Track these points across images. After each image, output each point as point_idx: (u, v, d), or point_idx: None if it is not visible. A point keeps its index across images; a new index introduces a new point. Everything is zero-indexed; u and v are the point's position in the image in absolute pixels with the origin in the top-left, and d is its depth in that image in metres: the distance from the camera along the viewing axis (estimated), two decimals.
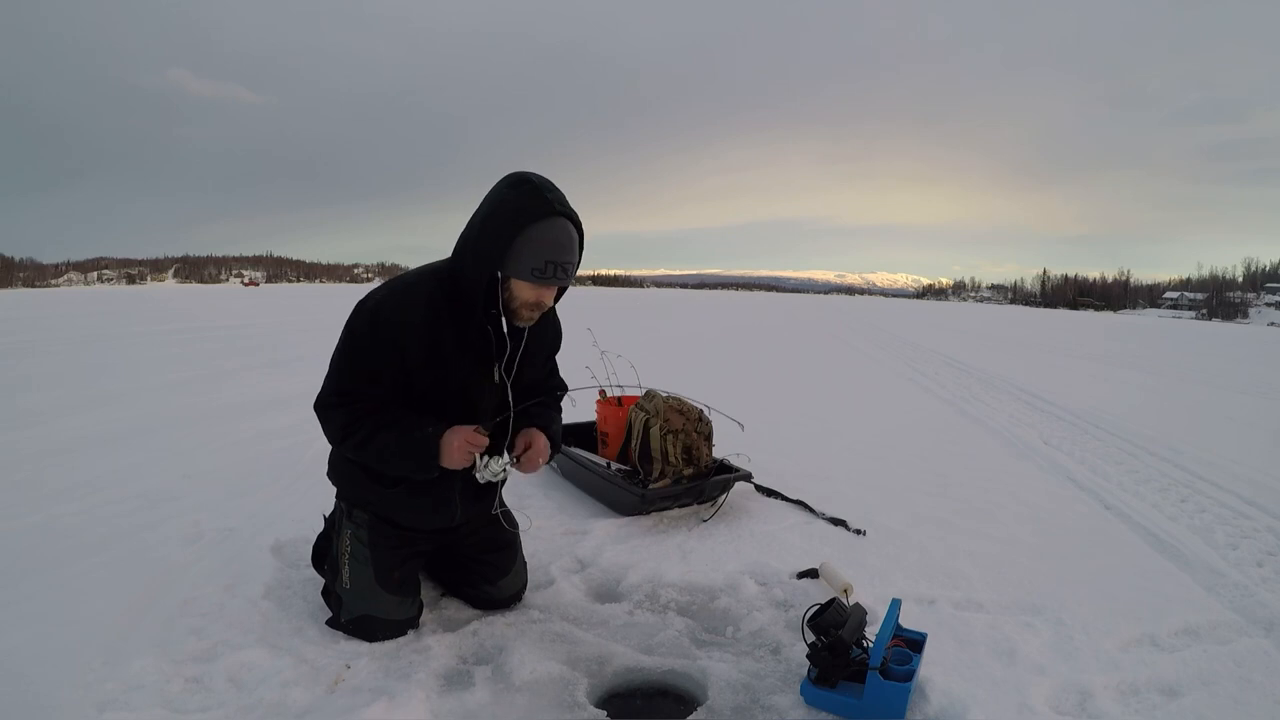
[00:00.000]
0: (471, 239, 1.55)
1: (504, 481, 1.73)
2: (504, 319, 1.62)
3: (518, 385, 1.75)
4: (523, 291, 1.55)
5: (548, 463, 1.78)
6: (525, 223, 1.47)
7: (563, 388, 2.01)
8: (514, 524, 1.97)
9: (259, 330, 11.73)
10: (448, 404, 1.66)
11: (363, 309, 1.60)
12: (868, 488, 3.18)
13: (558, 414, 1.92)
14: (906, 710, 1.51)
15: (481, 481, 1.65)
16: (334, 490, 1.86)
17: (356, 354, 1.60)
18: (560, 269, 1.52)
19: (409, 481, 1.70)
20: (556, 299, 1.68)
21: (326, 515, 1.96)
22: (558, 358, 2.00)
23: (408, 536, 1.81)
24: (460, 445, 1.58)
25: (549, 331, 1.86)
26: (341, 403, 1.62)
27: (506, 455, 1.71)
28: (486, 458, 1.63)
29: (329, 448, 1.79)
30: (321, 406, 1.65)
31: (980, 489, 3.25)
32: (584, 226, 1.57)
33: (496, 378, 1.70)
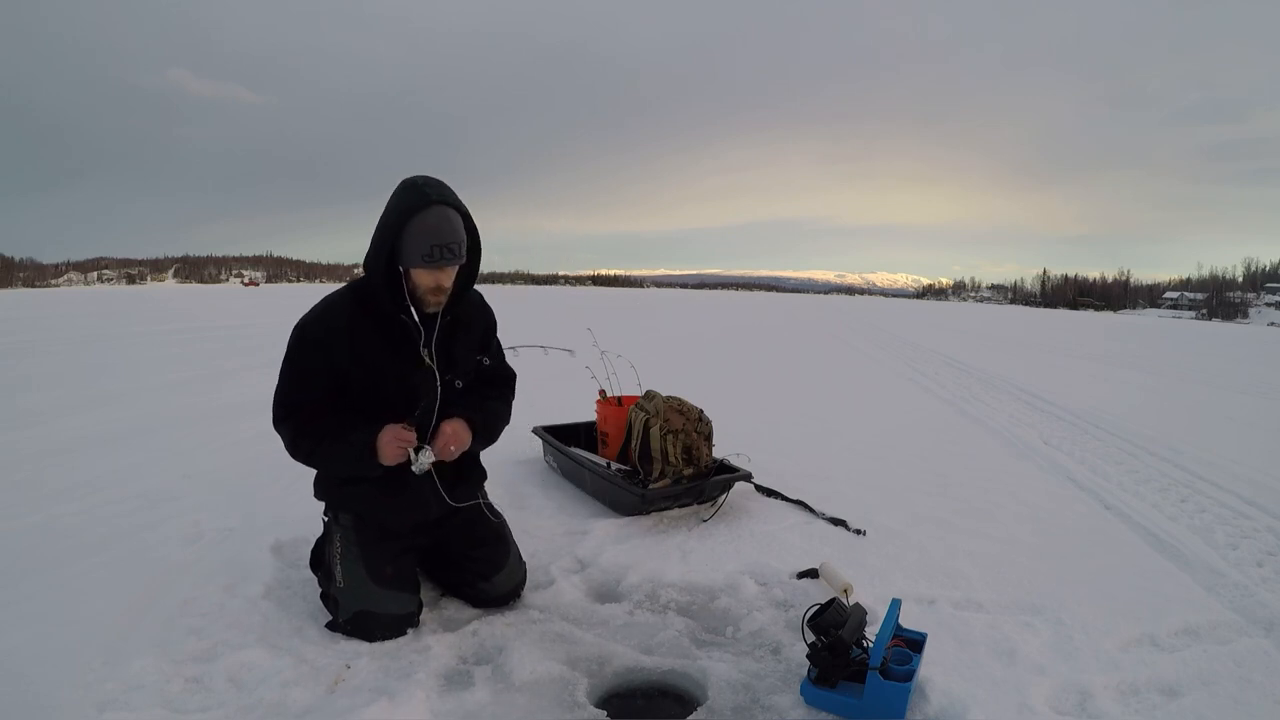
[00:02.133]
0: (371, 246, 1.70)
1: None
2: (415, 309, 1.74)
3: (449, 370, 1.83)
4: (422, 279, 1.69)
5: (485, 445, 1.93)
6: (408, 216, 1.63)
7: (508, 375, 2.09)
8: (497, 514, 2.03)
9: (259, 330, 11.74)
10: (385, 395, 1.75)
11: (296, 329, 1.75)
12: (868, 488, 3.18)
13: (497, 402, 1.99)
14: (906, 710, 1.51)
15: (418, 473, 1.74)
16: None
17: (292, 368, 1.74)
18: (447, 249, 1.64)
19: (367, 480, 1.78)
20: (467, 285, 1.81)
21: (325, 519, 1.98)
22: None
23: (392, 532, 1.85)
24: (390, 442, 1.68)
25: (476, 318, 1.94)
26: (287, 415, 1.74)
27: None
28: (418, 451, 1.72)
29: None
30: (275, 423, 1.77)
31: (980, 489, 3.25)
32: (470, 212, 1.71)
33: (426, 361, 1.79)
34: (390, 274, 1.69)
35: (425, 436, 1.78)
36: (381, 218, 1.69)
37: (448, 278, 1.72)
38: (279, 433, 1.76)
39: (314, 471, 1.89)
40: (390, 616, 1.77)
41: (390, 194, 1.70)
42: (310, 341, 1.72)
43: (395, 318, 1.73)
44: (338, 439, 1.71)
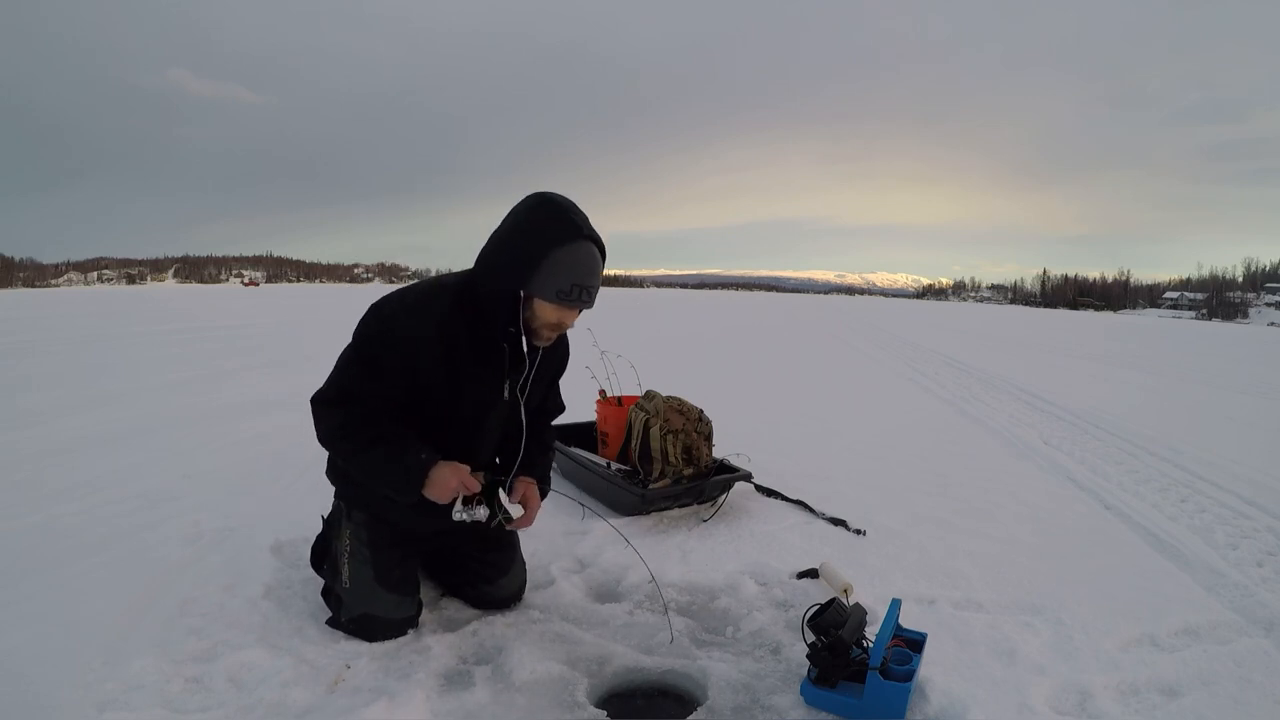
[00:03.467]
0: (495, 256, 1.54)
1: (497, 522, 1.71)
2: (523, 338, 1.61)
3: (528, 406, 1.75)
4: (545, 312, 1.54)
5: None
6: (553, 244, 1.47)
7: (560, 409, 2.01)
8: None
9: (259, 330, 11.73)
10: (457, 420, 1.66)
11: (378, 313, 1.58)
12: (868, 488, 3.18)
13: (550, 453, 1.95)
14: (906, 710, 1.51)
15: (455, 520, 1.62)
16: (332, 490, 1.86)
17: (366, 357, 1.57)
18: (585, 292, 1.52)
19: None
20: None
21: (325, 517, 1.97)
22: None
23: (408, 533, 1.82)
24: (451, 482, 1.56)
25: (559, 353, 1.86)
26: (341, 400, 1.58)
27: (496, 505, 1.66)
28: (472, 504, 1.62)
29: None
30: (320, 402, 1.60)
31: (980, 489, 3.25)
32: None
33: (507, 395, 1.69)
34: (510, 294, 1.52)
35: (491, 490, 1.66)
36: (515, 232, 1.52)
37: (572, 318, 1.58)
38: (321, 412, 1.59)
39: (324, 464, 1.83)
40: (393, 620, 1.76)
41: (518, 205, 1.54)
42: (397, 335, 1.54)
43: (497, 341, 1.60)
44: (392, 447, 1.55)
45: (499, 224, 1.57)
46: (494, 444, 1.78)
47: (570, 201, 1.54)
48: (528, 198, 1.56)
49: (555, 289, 1.49)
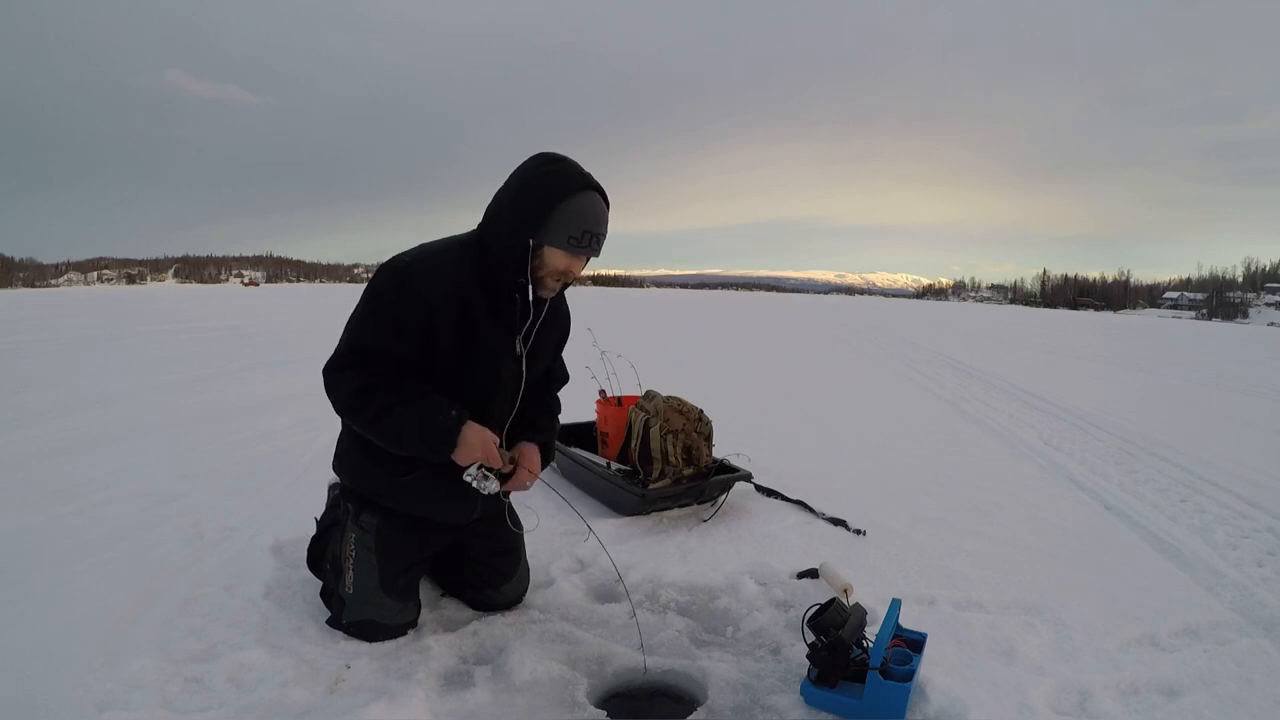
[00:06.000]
0: (505, 208, 1.58)
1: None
2: (530, 288, 1.63)
3: (533, 361, 1.76)
4: (555, 260, 1.58)
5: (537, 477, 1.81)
6: (564, 194, 1.53)
7: (565, 378, 2.01)
8: (519, 525, 1.96)
9: (259, 330, 11.73)
10: (472, 373, 1.63)
11: (390, 269, 1.56)
12: (868, 488, 3.18)
13: (556, 421, 1.94)
14: (906, 710, 1.51)
15: (471, 485, 1.62)
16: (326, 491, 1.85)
17: (381, 313, 1.54)
18: (595, 239, 1.58)
19: (425, 468, 1.66)
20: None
21: (318, 518, 1.96)
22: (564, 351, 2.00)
23: (416, 541, 1.78)
24: (477, 450, 1.57)
25: (561, 316, 1.87)
26: (359, 362, 1.55)
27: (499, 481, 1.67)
28: (487, 474, 1.63)
29: (330, 447, 1.79)
30: (334, 368, 1.57)
31: (980, 489, 3.25)
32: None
33: (517, 349, 1.70)
34: (520, 245, 1.55)
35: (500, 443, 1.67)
36: (525, 185, 1.56)
37: (580, 267, 1.62)
38: (336, 380, 1.55)
39: (324, 465, 1.81)
40: (394, 625, 1.76)
41: (523, 163, 1.59)
42: (412, 291, 1.52)
43: (509, 294, 1.61)
44: (419, 407, 1.52)
45: (504, 183, 1.61)
46: (507, 401, 1.73)
47: (575, 160, 1.60)
48: (533, 156, 1.61)
49: (568, 235, 1.54)
